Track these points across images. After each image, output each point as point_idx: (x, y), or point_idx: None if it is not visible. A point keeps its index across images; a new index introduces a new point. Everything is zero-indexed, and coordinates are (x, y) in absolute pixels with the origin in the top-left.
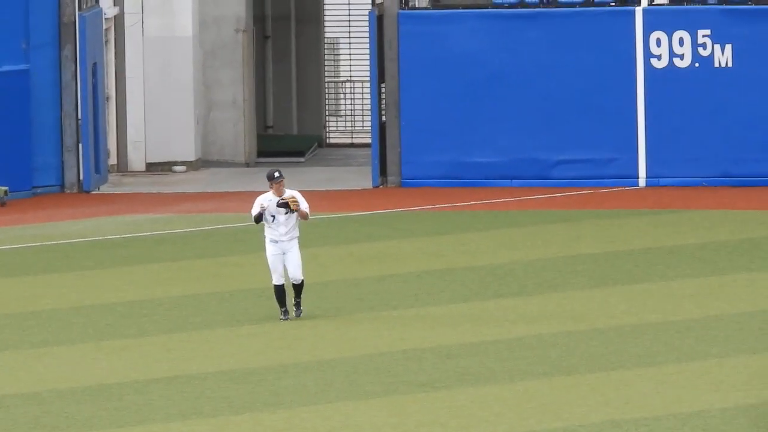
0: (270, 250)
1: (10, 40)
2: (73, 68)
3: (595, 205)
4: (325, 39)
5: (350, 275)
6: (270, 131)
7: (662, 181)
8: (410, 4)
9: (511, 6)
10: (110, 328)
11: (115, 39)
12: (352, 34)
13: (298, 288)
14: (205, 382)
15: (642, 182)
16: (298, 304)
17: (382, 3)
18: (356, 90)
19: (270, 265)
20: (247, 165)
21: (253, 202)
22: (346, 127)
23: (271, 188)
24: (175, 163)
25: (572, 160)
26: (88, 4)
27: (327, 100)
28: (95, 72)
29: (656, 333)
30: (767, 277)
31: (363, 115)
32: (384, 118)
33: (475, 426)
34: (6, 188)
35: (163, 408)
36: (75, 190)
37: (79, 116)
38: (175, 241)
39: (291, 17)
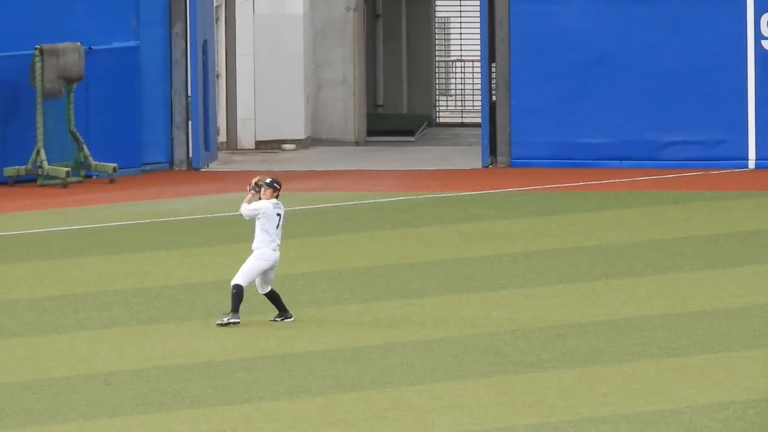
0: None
1: (121, 16)
2: (184, 45)
3: (705, 187)
4: (436, 18)
5: (459, 255)
6: (380, 110)
7: None
8: None
9: None
10: (218, 306)
11: (225, 16)
12: (463, 13)
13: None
14: (312, 360)
15: (752, 164)
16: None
17: None
18: (466, 69)
19: (255, 271)
20: (357, 144)
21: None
22: (456, 106)
23: (264, 193)
24: (285, 141)
25: (682, 142)
26: None
27: (437, 80)
28: (205, 49)
29: (765, 315)
30: None
31: (473, 95)
32: (494, 97)
33: (583, 407)
34: (115, 165)
35: (270, 386)
36: (184, 168)
37: (189, 93)
38: (285, 219)
39: None
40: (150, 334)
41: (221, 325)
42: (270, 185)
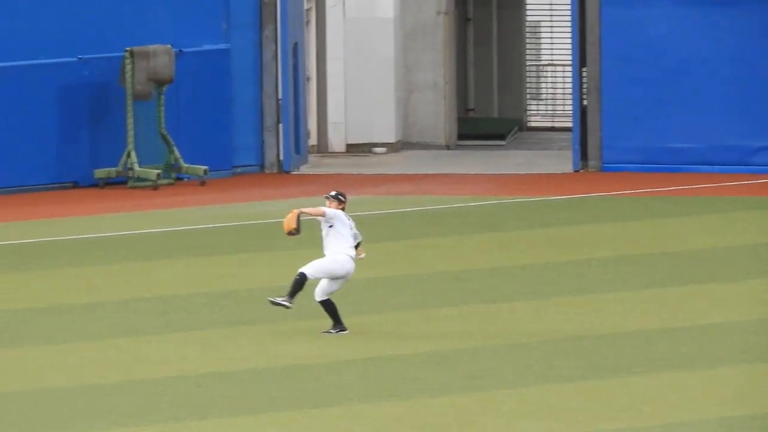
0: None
1: (211, 19)
2: (274, 48)
3: None
4: (527, 22)
5: (547, 259)
6: (471, 114)
7: None
8: None
9: None
10: (305, 309)
11: (316, 19)
12: (553, 18)
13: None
14: (400, 363)
15: None
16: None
17: None
18: (557, 74)
19: (326, 270)
20: (448, 147)
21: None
22: (546, 110)
23: (330, 205)
24: (375, 145)
25: None
26: None
27: (528, 84)
28: (296, 52)
29: None
30: None
31: (564, 99)
32: (585, 102)
33: (671, 411)
34: (206, 167)
35: (360, 389)
36: (275, 170)
37: (280, 96)
38: (374, 223)
39: (492, 0)
40: (238, 336)
41: (273, 303)
42: (335, 198)
